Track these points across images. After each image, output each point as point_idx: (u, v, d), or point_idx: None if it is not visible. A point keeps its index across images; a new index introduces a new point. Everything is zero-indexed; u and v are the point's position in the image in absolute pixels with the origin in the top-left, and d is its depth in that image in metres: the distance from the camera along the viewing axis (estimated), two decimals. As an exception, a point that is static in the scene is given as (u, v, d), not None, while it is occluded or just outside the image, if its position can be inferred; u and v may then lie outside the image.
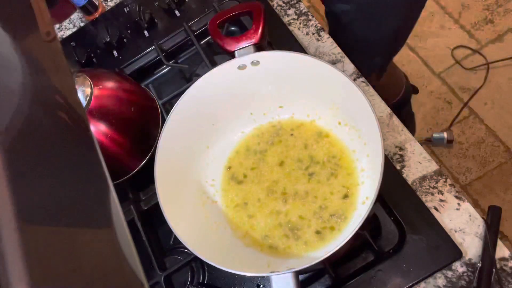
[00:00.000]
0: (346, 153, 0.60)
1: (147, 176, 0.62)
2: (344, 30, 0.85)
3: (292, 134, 0.64)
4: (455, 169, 1.40)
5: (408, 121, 1.32)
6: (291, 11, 0.77)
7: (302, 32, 0.75)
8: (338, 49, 0.72)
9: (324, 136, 0.63)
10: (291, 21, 0.76)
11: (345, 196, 0.58)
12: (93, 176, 0.27)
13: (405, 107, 1.25)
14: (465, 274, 0.54)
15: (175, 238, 0.58)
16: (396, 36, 0.89)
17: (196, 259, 0.60)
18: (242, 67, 0.60)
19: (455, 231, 0.57)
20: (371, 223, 0.59)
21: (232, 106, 0.64)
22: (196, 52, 0.77)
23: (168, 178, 0.56)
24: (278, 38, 0.72)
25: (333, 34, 0.74)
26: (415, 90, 1.39)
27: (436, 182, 0.60)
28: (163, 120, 0.69)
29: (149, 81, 0.80)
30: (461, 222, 0.57)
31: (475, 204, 1.34)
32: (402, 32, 0.91)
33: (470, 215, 0.57)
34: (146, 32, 0.81)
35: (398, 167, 0.61)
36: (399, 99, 1.16)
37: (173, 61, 0.79)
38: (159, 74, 0.81)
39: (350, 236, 0.45)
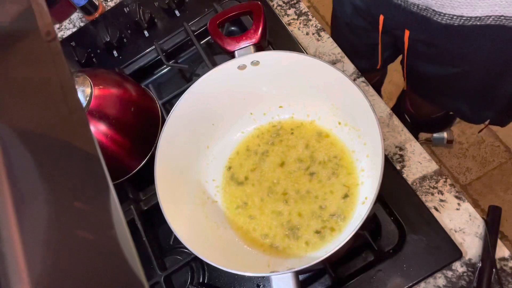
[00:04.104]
0: (346, 153, 0.60)
1: (147, 176, 0.62)
2: (446, 87, 0.79)
3: (292, 134, 0.64)
4: (455, 169, 1.40)
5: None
6: (291, 11, 0.77)
7: (302, 32, 0.75)
8: (338, 49, 0.72)
9: (324, 136, 0.63)
10: (291, 21, 0.76)
11: (345, 196, 0.58)
12: (93, 176, 0.27)
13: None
14: (465, 274, 0.54)
15: (175, 238, 0.58)
16: None
17: (196, 259, 0.60)
18: (242, 67, 0.60)
19: (455, 231, 0.57)
20: (371, 223, 0.59)
21: (232, 106, 0.64)
22: (196, 52, 0.77)
23: (168, 178, 0.56)
24: (278, 38, 0.72)
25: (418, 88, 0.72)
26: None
27: (436, 182, 0.60)
28: (163, 120, 0.69)
29: (149, 81, 0.80)
30: (461, 222, 0.57)
31: (475, 204, 1.34)
32: None
33: (470, 215, 0.57)
34: (146, 32, 0.81)
35: (398, 167, 0.61)
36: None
37: (173, 61, 0.79)
38: (159, 74, 0.81)
39: (350, 236, 0.45)
